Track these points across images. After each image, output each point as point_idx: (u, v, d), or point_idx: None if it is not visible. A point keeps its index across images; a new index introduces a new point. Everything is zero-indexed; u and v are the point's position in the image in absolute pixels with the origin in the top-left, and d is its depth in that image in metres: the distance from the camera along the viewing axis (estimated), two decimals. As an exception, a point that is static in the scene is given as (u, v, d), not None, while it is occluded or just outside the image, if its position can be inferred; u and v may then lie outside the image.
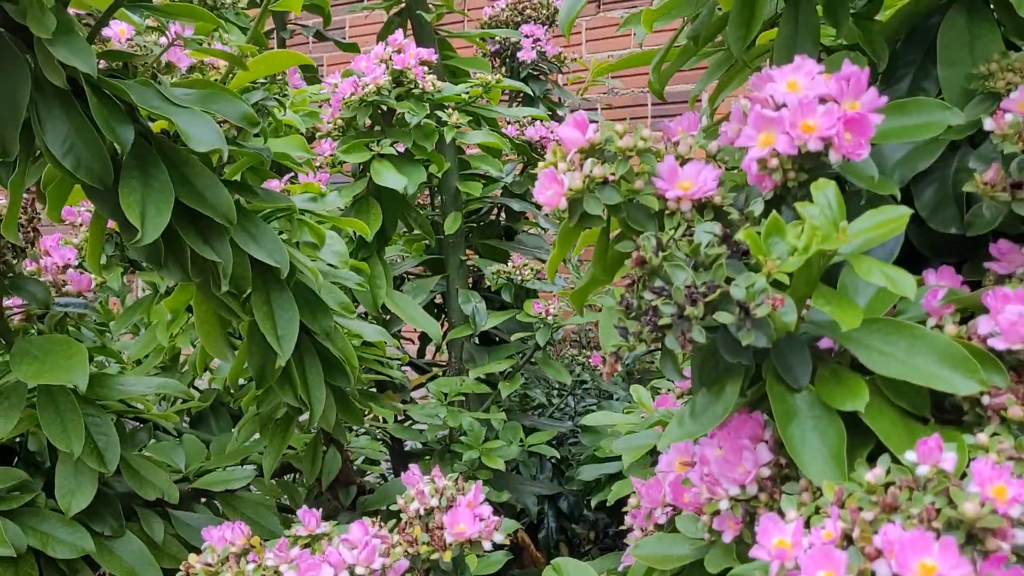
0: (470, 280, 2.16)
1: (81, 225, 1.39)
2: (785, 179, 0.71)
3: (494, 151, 1.77)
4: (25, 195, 1.07)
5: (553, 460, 2.26)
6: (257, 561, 0.78)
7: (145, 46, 0.95)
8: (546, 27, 2.55)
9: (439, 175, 1.75)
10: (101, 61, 0.92)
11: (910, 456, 0.59)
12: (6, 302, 1.10)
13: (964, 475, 0.59)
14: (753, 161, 0.71)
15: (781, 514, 0.62)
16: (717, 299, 0.64)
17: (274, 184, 1.19)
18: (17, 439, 1.24)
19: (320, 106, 1.56)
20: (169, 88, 0.91)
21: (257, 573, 0.75)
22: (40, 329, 1.12)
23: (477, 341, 2.09)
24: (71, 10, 0.89)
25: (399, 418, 2.01)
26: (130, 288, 2.04)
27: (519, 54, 2.43)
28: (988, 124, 0.70)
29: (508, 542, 0.91)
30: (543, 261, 2.04)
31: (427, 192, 2.15)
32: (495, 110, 1.64)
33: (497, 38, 2.42)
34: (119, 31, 1.06)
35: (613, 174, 0.74)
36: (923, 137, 0.75)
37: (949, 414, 0.69)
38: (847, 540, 0.57)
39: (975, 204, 0.76)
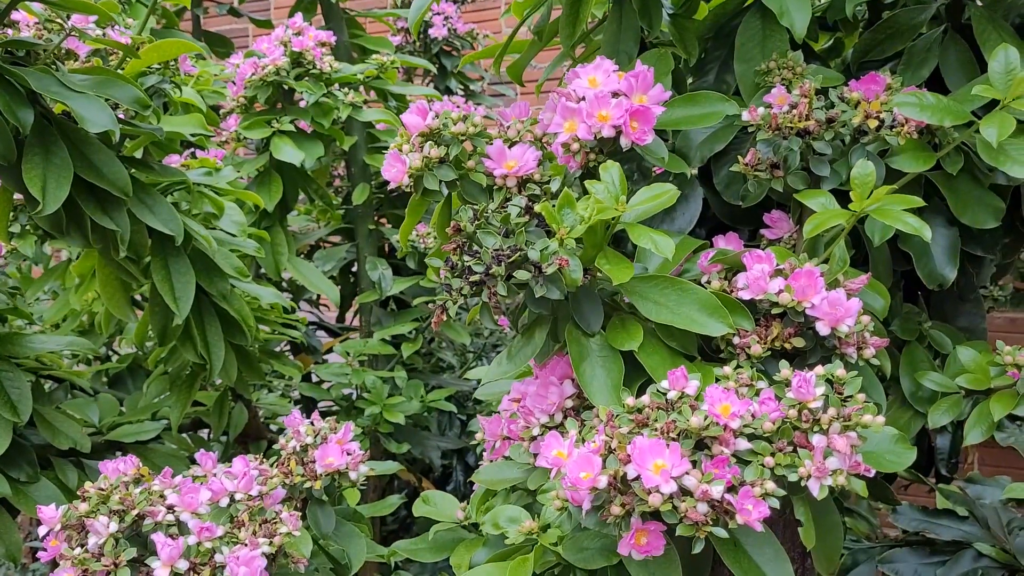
0: (386, 247, 2.28)
1: (-5, 196, 1.48)
2: (587, 160, 0.85)
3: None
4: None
5: (462, 418, 2.41)
6: (146, 487, 0.90)
7: (46, 36, 1.05)
8: (457, 4, 2.66)
9: (347, 149, 1.87)
10: (4, 49, 1.02)
11: (663, 384, 0.74)
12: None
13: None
14: (559, 145, 0.85)
15: (565, 433, 0.76)
16: (518, 260, 0.78)
17: (174, 159, 1.30)
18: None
19: (227, 85, 1.66)
20: (67, 75, 1.01)
21: (143, 495, 0.88)
22: (-46, 293, 1.22)
23: (395, 307, 2.22)
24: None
25: (314, 379, 2.14)
26: (52, 256, 2.12)
27: (430, 31, 2.55)
28: (745, 116, 0.84)
29: (372, 473, 1.05)
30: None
31: (344, 164, 2.27)
32: (397, 88, 1.76)
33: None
34: (27, 15, 1.16)
35: (447, 155, 0.88)
36: (707, 124, 0.89)
37: (715, 353, 0.84)
38: (609, 450, 0.72)
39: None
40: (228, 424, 1.62)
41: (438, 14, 2.57)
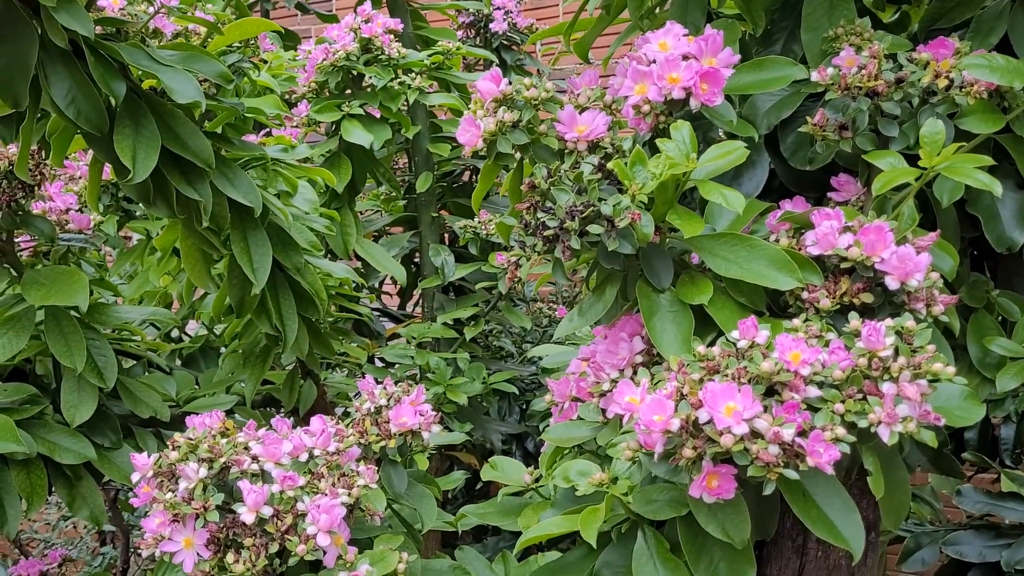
0: (446, 237, 2.32)
1: (80, 178, 1.55)
2: (656, 122, 0.87)
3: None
4: (33, 145, 1.22)
5: (521, 406, 2.44)
6: (231, 439, 0.95)
7: (135, 14, 1.10)
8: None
9: (411, 137, 1.92)
10: (98, 27, 1.08)
11: (733, 334, 0.76)
12: (16, 238, 1.27)
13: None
14: (630, 107, 0.87)
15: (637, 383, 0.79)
16: (591, 215, 0.80)
17: (251, 138, 1.35)
18: (27, 366, 1.40)
19: (298, 71, 1.71)
20: (156, 50, 1.06)
21: (230, 446, 0.92)
22: (46, 264, 1.28)
23: (453, 295, 2.26)
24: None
25: (377, 363, 2.19)
26: (125, 244, 2.20)
27: (491, 25, 2.58)
28: (814, 76, 0.86)
29: (441, 429, 1.07)
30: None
31: (405, 155, 2.31)
32: (459, 76, 1.79)
33: (471, 9, 2.56)
34: (112, 1, 1.21)
35: (520, 119, 0.91)
36: (775, 88, 0.91)
37: (783, 309, 0.85)
38: (681, 395, 0.74)
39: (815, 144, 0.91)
40: (298, 400, 1.66)
41: (498, 8, 2.61)
